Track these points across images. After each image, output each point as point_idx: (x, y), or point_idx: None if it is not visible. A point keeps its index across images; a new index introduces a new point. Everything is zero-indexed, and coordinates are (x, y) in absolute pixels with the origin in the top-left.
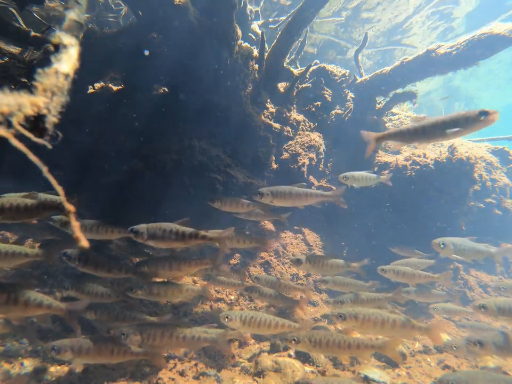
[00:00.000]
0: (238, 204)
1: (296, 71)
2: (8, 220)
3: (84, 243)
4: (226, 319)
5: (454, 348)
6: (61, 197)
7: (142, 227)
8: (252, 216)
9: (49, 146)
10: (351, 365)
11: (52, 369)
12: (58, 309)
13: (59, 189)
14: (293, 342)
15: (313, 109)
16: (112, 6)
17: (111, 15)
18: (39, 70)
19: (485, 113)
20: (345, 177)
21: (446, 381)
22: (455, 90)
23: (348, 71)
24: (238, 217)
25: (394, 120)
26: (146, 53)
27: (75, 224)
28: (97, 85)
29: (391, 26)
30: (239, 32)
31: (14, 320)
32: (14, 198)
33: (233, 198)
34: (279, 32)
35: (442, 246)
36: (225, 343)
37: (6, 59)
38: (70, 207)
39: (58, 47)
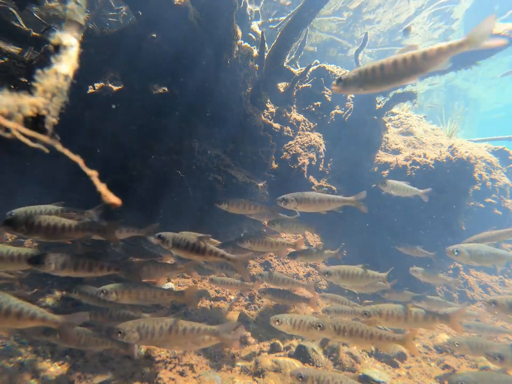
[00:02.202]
0: (246, 206)
1: (296, 71)
2: (43, 238)
3: (115, 200)
4: (276, 322)
5: (457, 345)
6: (81, 164)
7: (169, 235)
8: (263, 217)
9: (46, 150)
10: (351, 365)
11: (52, 369)
12: (53, 322)
13: (76, 158)
14: (318, 328)
15: (313, 109)
16: (113, 4)
17: (111, 13)
18: (39, 71)
19: None
20: (384, 183)
21: (456, 381)
22: (456, 90)
23: (348, 71)
24: (238, 217)
25: (394, 120)
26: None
27: (100, 185)
28: (97, 85)
29: (392, 27)
30: (239, 32)
31: (4, 332)
32: (53, 217)
33: (240, 199)
34: (279, 32)
35: (456, 253)
36: (227, 336)
37: (6, 59)
38: (90, 172)
39: (58, 48)
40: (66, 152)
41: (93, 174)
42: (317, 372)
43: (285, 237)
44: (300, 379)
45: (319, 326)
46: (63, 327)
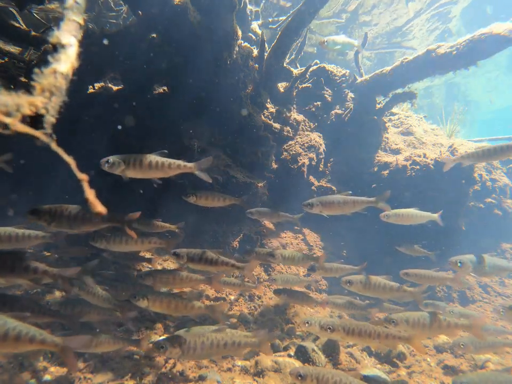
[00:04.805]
0: (214, 198)
1: (296, 71)
2: (65, 228)
3: (100, 208)
4: (306, 324)
5: (462, 346)
6: (73, 167)
7: (183, 251)
8: (266, 218)
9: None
10: (351, 365)
11: (52, 369)
12: (53, 345)
13: (69, 160)
14: (328, 330)
15: (313, 109)
16: (112, 6)
17: (111, 14)
18: (37, 70)
19: None
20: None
21: (459, 382)
22: (456, 91)
23: (347, 71)
24: (238, 217)
25: (394, 120)
26: (106, 41)
27: (89, 191)
28: (97, 85)
29: (390, 29)
30: (239, 32)
31: (1, 357)
32: (74, 207)
33: (208, 192)
34: (279, 32)
35: (459, 264)
36: (267, 345)
37: (6, 59)
38: (81, 176)
39: (57, 47)
40: (60, 151)
41: (83, 178)
42: (316, 370)
43: (285, 237)
44: (299, 378)
45: (329, 328)
46: (63, 350)
